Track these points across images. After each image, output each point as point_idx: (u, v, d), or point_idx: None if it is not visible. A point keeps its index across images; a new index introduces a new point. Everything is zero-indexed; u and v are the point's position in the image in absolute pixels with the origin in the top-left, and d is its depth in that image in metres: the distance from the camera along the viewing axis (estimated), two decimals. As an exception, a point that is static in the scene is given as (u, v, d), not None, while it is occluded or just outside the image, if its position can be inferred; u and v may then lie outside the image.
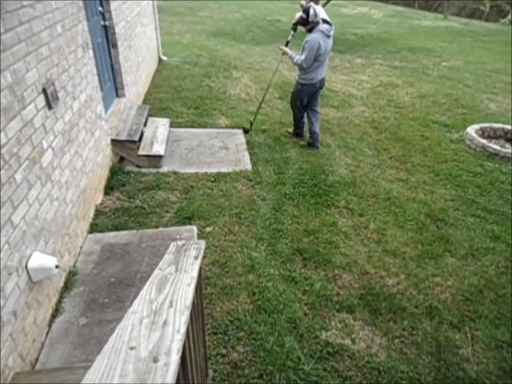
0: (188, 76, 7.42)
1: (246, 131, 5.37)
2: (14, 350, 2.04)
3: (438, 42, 13.03)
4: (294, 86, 5.11)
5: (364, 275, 3.18)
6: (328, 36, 4.56)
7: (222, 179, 4.27)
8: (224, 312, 2.73)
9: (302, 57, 4.65)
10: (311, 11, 4.46)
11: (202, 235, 3.42)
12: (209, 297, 2.81)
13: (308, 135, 5.35)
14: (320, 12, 4.54)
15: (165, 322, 1.05)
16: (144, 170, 4.32)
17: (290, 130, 5.54)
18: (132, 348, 0.96)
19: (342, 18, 16.56)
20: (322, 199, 4.09)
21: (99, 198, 3.72)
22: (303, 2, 4.76)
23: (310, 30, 4.59)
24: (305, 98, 5.04)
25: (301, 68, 4.78)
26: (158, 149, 4.49)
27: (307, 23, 4.56)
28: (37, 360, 2.28)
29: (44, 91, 2.48)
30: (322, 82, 5.01)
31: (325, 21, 4.55)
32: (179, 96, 6.40)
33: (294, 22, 4.87)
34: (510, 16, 17.40)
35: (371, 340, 2.65)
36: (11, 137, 2.08)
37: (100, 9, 4.22)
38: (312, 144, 5.22)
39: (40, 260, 2.25)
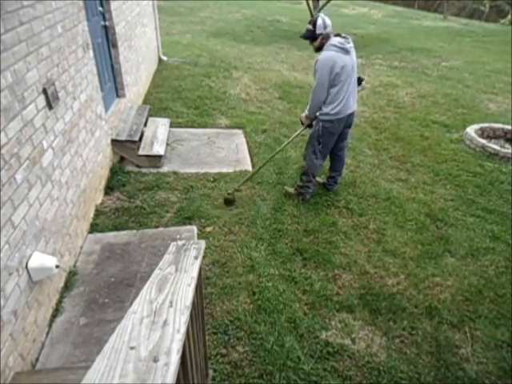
0: (188, 76, 7.43)
1: (228, 202, 3.87)
2: (15, 349, 2.04)
3: (438, 42, 13.03)
4: (313, 126, 3.82)
5: (364, 275, 3.19)
6: (346, 51, 3.48)
7: (222, 179, 4.28)
8: (224, 312, 2.73)
9: (314, 83, 3.59)
10: (319, 21, 3.52)
11: (202, 235, 3.42)
12: (209, 297, 2.82)
13: (322, 177, 4.29)
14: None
15: (165, 322, 1.05)
16: (144, 170, 4.33)
17: (290, 189, 4.09)
18: (132, 348, 0.96)
19: (341, 18, 16.54)
20: (322, 199, 4.09)
21: (99, 197, 3.72)
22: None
23: (319, 48, 3.61)
24: (330, 143, 3.81)
25: (318, 100, 3.62)
26: (158, 149, 4.49)
27: (315, 37, 3.59)
28: (37, 360, 2.28)
29: (44, 91, 2.48)
30: (352, 117, 3.78)
31: (339, 34, 3.60)
32: (179, 96, 6.41)
33: (304, 119, 3.86)
34: (509, 16, 17.43)
35: (371, 340, 2.66)
36: (11, 137, 2.08)
37: (100, 9, 4.23)
38: (325, 185, 4.21)
39: (40, 260, 2.25)
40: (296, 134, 4.09)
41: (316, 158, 3.86)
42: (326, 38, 3.56)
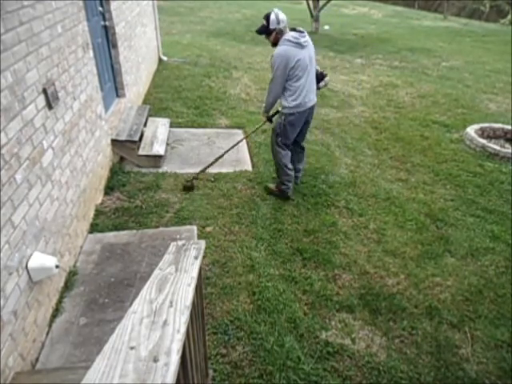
0: (188, 76, 7.43)
1: (187, 188, 4.03)
2: (15, 349, 2.04)
3: (438, 42, 13.03)
4: (277, 120, 3.88)
5: (364, 275, 3.18)
6: (300, 45, 3.48)
7: (222, 179, 4.28)
8: (224, 312, 2.73)
9: (270, 78, 3.66)
10: (272, 16, 3.52)
11: (202, 235, 3.42)
12: (209, 297, 2.82)
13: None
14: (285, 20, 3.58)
15: (165, 322, 1.05)
16: (144, 170, 4.33)
17: (271, 185, 4.12)
18: (132, 348, 0.96)
19: (341, 18, 16.57)
20: (322, 199, 4.09)
21: (99, 197, 3.72)
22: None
23: (275, 44, 3.61)
24: (291, 135, 3.83)
25: (274, 95, 3.69)
26: (158, 149, 4.49)
27: (269, 32, 3.60)
28: (37, 360, 2.28)
29: (44, 91, 2.48)
30: (312, 111, 3.83)
31: (294, 29, 3.59)
32: (179, 96, 6.41)
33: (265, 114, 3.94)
34: (509, 16, 17.45)
35: (371, 340, 2.65)
36: (11, 137, 2.09)
37: (100, 9, 4.23)
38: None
39: (40, 260, 2.25)
40: (256, 128, 4.38)
41: (282, 149, 3.89)
42: (281, 32, 3.58)
